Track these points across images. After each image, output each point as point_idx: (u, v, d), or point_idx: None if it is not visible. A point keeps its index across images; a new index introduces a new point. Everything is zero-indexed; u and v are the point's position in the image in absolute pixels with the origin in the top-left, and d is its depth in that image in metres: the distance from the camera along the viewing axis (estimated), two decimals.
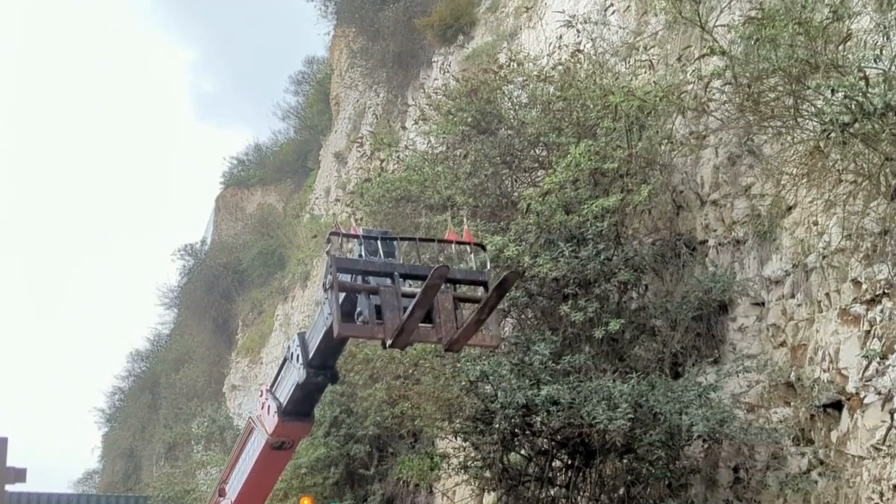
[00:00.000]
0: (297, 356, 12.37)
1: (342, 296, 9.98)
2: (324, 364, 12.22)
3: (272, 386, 13.89)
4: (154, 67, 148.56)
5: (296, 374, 12.47)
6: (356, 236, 10.62)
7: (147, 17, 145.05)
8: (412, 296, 9.64)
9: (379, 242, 10.49)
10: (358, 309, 9.93)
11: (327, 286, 9.99)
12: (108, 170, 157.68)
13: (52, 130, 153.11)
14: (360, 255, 10.39)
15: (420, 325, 9.68)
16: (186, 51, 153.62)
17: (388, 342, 9.78)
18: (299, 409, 13.24)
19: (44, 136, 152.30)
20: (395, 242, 10.68)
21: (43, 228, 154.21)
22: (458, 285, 10.38)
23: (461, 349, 10.47)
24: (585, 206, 14.51)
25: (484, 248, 11.05)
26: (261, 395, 14.15)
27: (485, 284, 10.18)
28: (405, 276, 10.13)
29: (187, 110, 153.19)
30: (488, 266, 10.57)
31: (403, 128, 29.56)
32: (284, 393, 13.14)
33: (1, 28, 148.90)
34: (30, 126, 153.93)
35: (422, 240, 11.82)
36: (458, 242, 10.96)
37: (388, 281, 10.00)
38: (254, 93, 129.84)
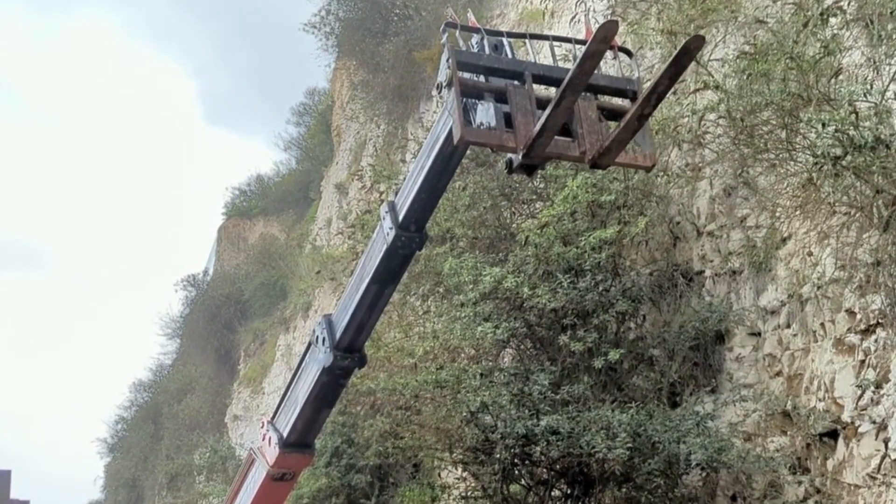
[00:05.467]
0: (324, 339, 11.74)
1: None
2: (351, 346, 11.56)
3: (273, 417, 13.98)
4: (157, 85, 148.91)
5: (321, 359, 11.83)
6: (477, 30, 8.73)
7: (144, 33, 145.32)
8: (546, 104, 7.75)
9: (505, 41, 8.69)
10: (477, 121, 8.08)
11: (444, 84, 8.18)
12: (114, 197, 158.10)
13: (54, 149, 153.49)
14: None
15: (557, 138, 7.87)
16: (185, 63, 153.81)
17: (520, 154, 7.88)
18: (313, 416, 12.85)
19: (45, 154, 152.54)
20: (514, 49, 8.77)
21: (44, 255, 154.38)
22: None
23: (609, 165, 8.32)
24: (583, 238, 14.67)
25: (630, 53, 8.93)
26: (262, 427, 14.22)
27: (634, 96, 8.26)
28: (538, 79, 8.29)
29: (193, 126, 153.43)
30: (637, 73, 8.64)
31: (403, 161, 29.76)
32: (302, 392, 12.73)
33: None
34: (33, 145, 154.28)
35: (556, 38, 9.23)
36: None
37: (516, 83, 8.18)
38: (262, 103, 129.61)
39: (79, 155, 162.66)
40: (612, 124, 8.02)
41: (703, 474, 13.54)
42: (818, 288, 12.47)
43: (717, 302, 14.38)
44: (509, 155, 8.12)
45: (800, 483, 12.43)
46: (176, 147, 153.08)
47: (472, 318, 14.91)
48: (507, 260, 15.39)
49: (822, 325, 12.41)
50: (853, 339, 11.81)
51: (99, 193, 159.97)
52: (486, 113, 8.00)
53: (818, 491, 12.15)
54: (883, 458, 11.11)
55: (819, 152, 11.25)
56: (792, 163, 12.33)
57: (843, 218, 11.93)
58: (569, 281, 14.43)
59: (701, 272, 15.03)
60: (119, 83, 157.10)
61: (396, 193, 10.45)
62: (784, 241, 13.28)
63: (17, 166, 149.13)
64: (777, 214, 13.24)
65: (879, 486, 11.12)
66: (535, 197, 16.65)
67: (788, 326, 13.17)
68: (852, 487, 11.58)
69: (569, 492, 14.24)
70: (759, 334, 13.74)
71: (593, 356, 14.18)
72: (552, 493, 14.30)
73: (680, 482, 13.47)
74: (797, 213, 12.76)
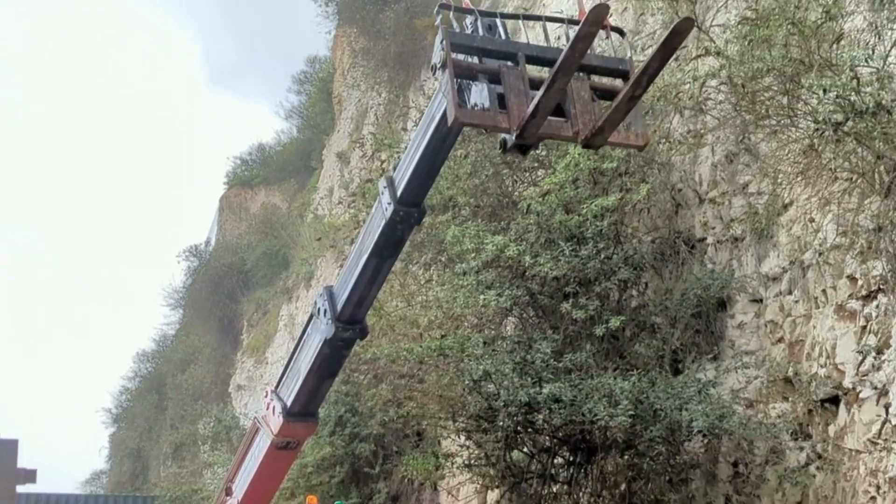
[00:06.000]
0: (325, 310, 11.90)
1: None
2: (352, 318, 11.75)
3: (277, 386, 14.04)
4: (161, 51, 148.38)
5: (323, 331, 12.02)
6: (470, 11, 8.85)
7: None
8: (539, 84, 7.87)
9: (499, 22, 8.81)
10: (471, 102, 8.18)
11: (438, 65, 8.29)
12: (113, 170, 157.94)
13: (53, 122, 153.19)
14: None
15: (551, 118, 7.97)
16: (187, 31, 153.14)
17: (513, 134, 7.98)
18: (317, 385, 12.99)
19: (45, 125, 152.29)
20: (509, 30, 8.91)
21: (49, 227, 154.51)
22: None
23: (602, 145, 8.48)
24: (585, 206, 14.67)
25: (623, 33, 8.96)
26: (266, 396, 14.30)
27: (626, 75, 8.33)
28: (532, 60, 8.37)
29: (197, 90, 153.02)
30: (630, 53, 8.72)
31: (404, 129, 29.71)
32: (304, 364, 12.86)
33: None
34: (34, 117, 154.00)
35: (549, 19, 9.40)
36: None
37: (510, 64, 8.27)
38: (266, 68, 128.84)
39: (80, 119, 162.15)
40: (606, 104, 8.08)
41: (705, 441, 13.60)
42: (819, 254, 12.48)
43: (719, 269, 14.40)
44: (503, 135, 8.18)
45: (801, 449, 12.49)
46: (179, 113, 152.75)
47: (474, 287, 14.94)
48: (510, 228, 15.39)
49: (824, 291, 12.43)
50: (854, 305, 11.83)
51: (100, 160, 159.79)
52: (480, 94, 8.07)
53: (819, 456, 12.21)
54: (884, 423, 11.16)
55: (820, 118, 11.23)
56: (793, 129, 12.31)
57: (845, 184, 11.92)
58: (570, 249, 14.44)
59: (703, 239, 15.04)
60: (123, 44, 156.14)
61: (395, 168, 10.59)
62: (786, 207, 13.27)
63: (16, 130, 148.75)
64: (779, 181, 13.23)
65: (880, 451, 11.17)
66: (536, 165, 16.63)
67: (790, 293, 13.19)
68: (853, 453, 11.63)
69: (571, 459, 14.32)
70: (761, 301, 13.76)
71: (595, 324, 14.20)
72: (555, 461, 14.38)
73: (682, 449, 13.53)
74: (799, 179, 12.75)
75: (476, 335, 15.07)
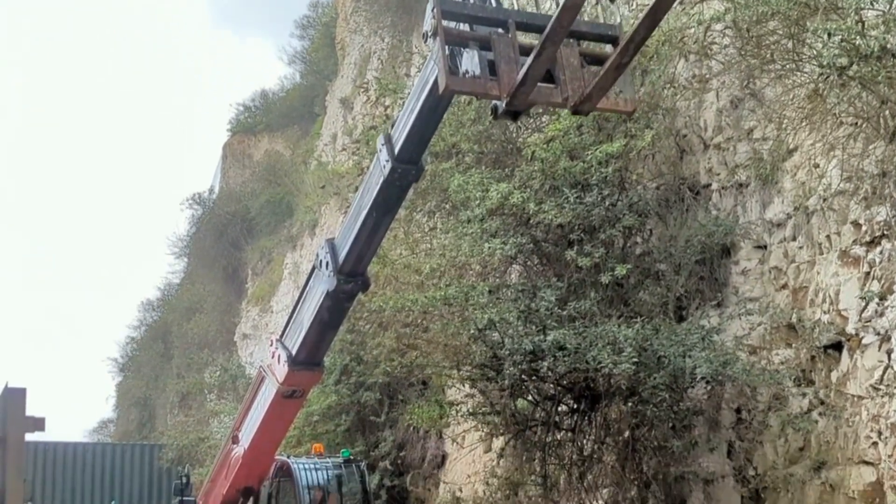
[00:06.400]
0: (327, 263, 12.13)
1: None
2: (353, 270, 11.96)
3: (282, 335, 14.09)
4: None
5: (325, 283, 12.24)
6: None
7: None
8: (529, 52, 7.96)
9: None
10: (462, 68, 8.30)
11: (430, 33, 8.37)
12: (117, 115, 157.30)
13: (58, 69, 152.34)
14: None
15: (540, 84, 8.12)
16: None
17: (504, 101, 8.12)
18: (320, 336, 13.09)
19: (50, 73, 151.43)
20: None
21: (54, 176, 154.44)
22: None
23: (591, 111, 8.66)
24: (590, 153, 14.62)
25: None
26: (271, 345, 14.38)
27: (615, 41, 8.44)
28: (522, 27, 8.51)
29: (202, 31, 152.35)
30: (619, 19, 8.90)
31: (408, 75, 29.50)
32: (307, 316, 12.97)
33: None
34: (35, 62, 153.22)
35: None
36: None
37: (500, 31, 8.39)
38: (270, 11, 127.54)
39: (81, 63, 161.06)
40: (595, 69, 8.17)
41: (708, 388, 13.64)
42: (824, 200, 12.44)
43: (724, 215, 14.36)
44: (494, 101, 8.29)
45: (804, 395, 12.52)
46: (182, 60, 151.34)
47: (478, 235, 14.93)
48: (514, 175, 15.34)
49: (828, 237, 12.40)
50: (858, 250, 11.81)
51: (104, 105, 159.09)
52: (471, 61, 8.19)
53: (822, 402, 12.25)
54: (886, 369, 11.18)
55: (825, 62, 11.13)
56: (798, 73, 12.21)
57: (850, 129, 11.85)
58: (575, 196, 14.40)
59: (707, 185, 14.98)
60: None
61: (393, 125, 10.74)
62: (790, 153, 13.20)
63: (18, 67, 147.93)
64: (783, 126, 13.15)
65: (882, 396, 11.21)
66: (541, 111, 16.52)
67: (794, 239, 13.16)
68: (856, 399, 11.67)
69: (575, 406, 14.37)
70: (765, 247, 13.73)
71: (600, 271, 14.20)
72: (559, 408, 14.43)
73: (685, 396, 13.57)
74: (804, 124, 12.66)
75: (481, 284, 15.08)
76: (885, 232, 11.37)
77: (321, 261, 12.29)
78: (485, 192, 14.68)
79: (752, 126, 14.14)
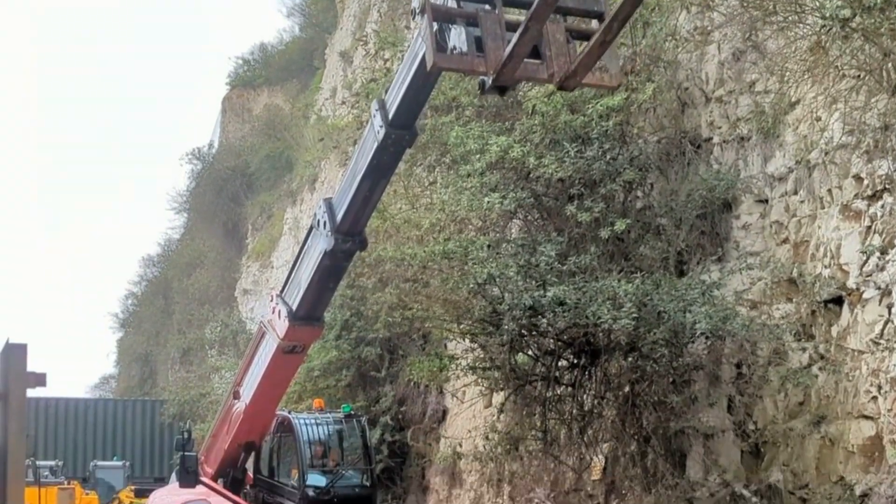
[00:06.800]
0: (325, 223, 12.17)
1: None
2: (351, 230, 12.00)
3: (282, 290, 14.07)
4: None
5: (323, 242, 12.29)
6: None
7: None
8: (515, 28, 8.01)
9: None
10: (451, 44, 8.39)
11: (417, 10, 8.52)
12: (117, 65, 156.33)
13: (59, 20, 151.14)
14: None
15: (527, 60, 8.19)
16: None
17: (490, 77, 8.20)
18: (320, 292, 13.20)
19: (51, 23, 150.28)
20: None
21: (54, 128, 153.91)
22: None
23: (576, 87, 8.84)
24: (590, 106, 14.51)
25: None
26: (271, 300, 14.35)
27: (601, 16, 8.48)
28: (508, 3, 8.63)
29: None
30: None
31: (407, 28, 29.27)
32: (306, 275, 13.07)
33: None
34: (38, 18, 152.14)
35: None
36: None
37: (487, 7, 8.47)
38: None
39: (80, 8, 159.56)
40: (581, 44, 8.22)
41: (708, 343, 13.63)
42: (826, 154, 12.36)
43: (725, 169, 14.27)
44: (481, 77, 8.35)
45: (804, 350, 12.52)
46: (182, 6, 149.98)
47: (478, 189, 14.86)
48: (514, 129, 15.24)
49: (829, 191, 12.34)
50: (860, 204, 11.75)
51: (105, 54, 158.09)
52: (458, 37, 8.27)
53: (822, 357, 12.25)
54: (886, 323, 11.17)
55: (828, 14, 11.00)
56: (801, 25, 12.08)
57: (852, 81, 11.74)
58: (576, 150, 14.31)
59: (709, 139, 14.88)
60: None
61: (387, 91, 10.77)
62: (792, 106, 13.10)
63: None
64: (786, 79, 13.03)
65: (883, 351, 11.20)
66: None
67: (796, 193, 13.09)
68: (856, 353, 11.66)
69: (575, 361, 14.37)
70: (767, 201, 13.67)
71: (600, 226, 14.15)
72: (559, 364, 14.43)
73: (685, 351, 13.55)
74: (806, 77, 12.55)
75: (480, 238, 15.03)
76: (887, 186, 11.31)
77: (319, 220, 12.34)
78: (484, 146, 14.59)
79: (753, 79, 14.02)
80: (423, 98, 10.57)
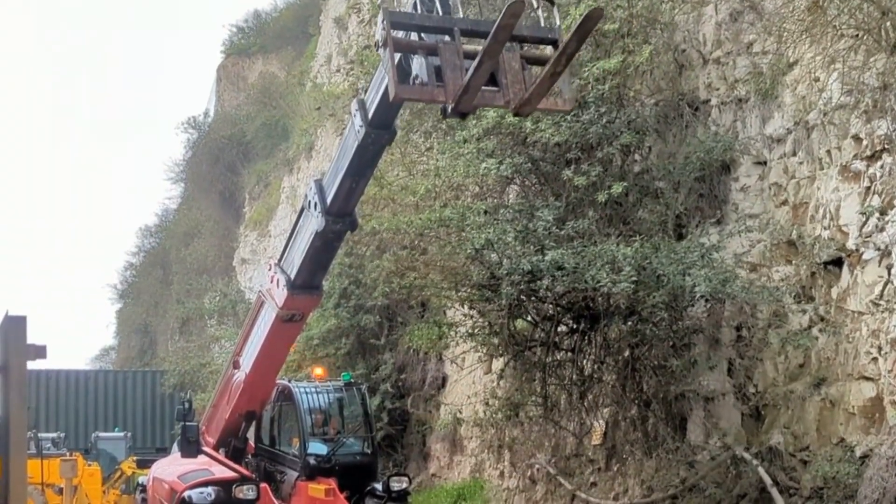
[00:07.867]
0: (315, 204, 12.38)
1: (397, 58, 8.89)
2: (341, 211, 12.22)
3: (280, 259, 14.04)
4: None
5: (314, 223, 12.48)
6: None
7: None
8: (474, 56, 8.49)
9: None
10: (413, 72, 8.91)
11: (380, 43, 8.90)
12: (112, 36, 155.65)
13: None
14: (416, 8, 9.42)
15: (484, 88, 8.67)
16: None
17: (450, 106, 8.68)
18: (316, 266, 13.29)
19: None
20: (450, 1, 9.57)
21: (52, 97, 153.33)
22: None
23: (531, 113, 9.41)
24: (587, 69, 14.39)
25: (553, 2, 9.50)
26: (269, 269, 14.32)
27: (555, 43, 8.94)
28: (466, 33, 9.10)
29: None
30: (558, 22, 9.32)
31: None
32: (299, 253, 13.16)
33: None
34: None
35: None
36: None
37: (447, 38, 8.92)
38: None
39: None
40: (537, 70, 8.83)
41: (708, 306, 13.61)
42: (824, 114, 12.29)
43: (723, 131, 14.19)
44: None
45: (804, 312, 12.49)
46: None
47: (475, 155, 14.79)
48: None
49: (828, 152, 12.27)
50: (859, 165, 11.69)
51: (91, 21, 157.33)
52: (419, 67, 8.82)
53: (822, 319, 12.22)
54: (886, 284, 11.14)
55: None
56: None
57: (850, 41, 11.65)
58: (572, 114, 14.20)
59: (707, 101, 14.79)
60: None
61: (366, 91, 11.23)
62: (790, 66, 13.01)
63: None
64: (783, 39, 12.93)
65: (882, 312, 11.18)
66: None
67: (794, 154, 13.03)
68: (856, 314, 11.64)
69: (574, 326, 14.34)
70: (765, 163, 13.60)
71: (597, 190, 14.08)
72: (558, 329, 14.40)
73: (684, 314, 13.54)
74: (804, 37, 12.46)
75: (477, 204, 14.96)
76: (886, 146, 11.25)
77: (310, 201, 12.62)
78: (480, 111, 14.49)
79: (751, 40, 13.92)
80: (397, 105, 10.97)
